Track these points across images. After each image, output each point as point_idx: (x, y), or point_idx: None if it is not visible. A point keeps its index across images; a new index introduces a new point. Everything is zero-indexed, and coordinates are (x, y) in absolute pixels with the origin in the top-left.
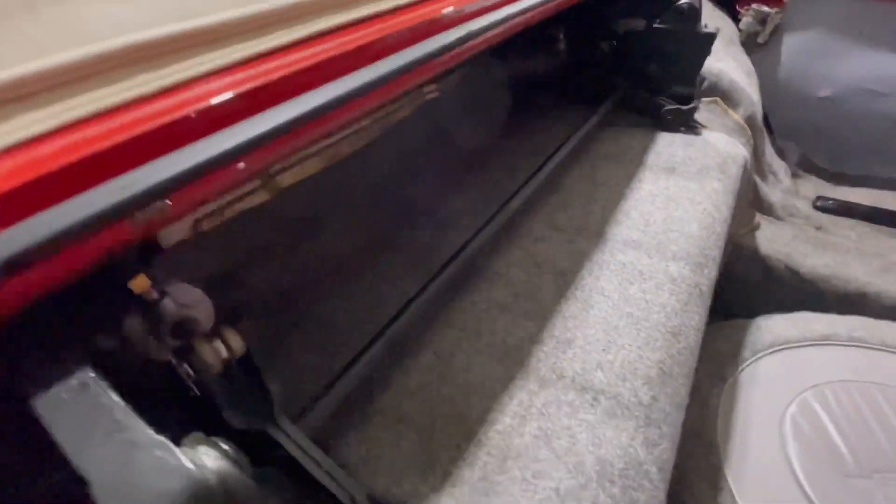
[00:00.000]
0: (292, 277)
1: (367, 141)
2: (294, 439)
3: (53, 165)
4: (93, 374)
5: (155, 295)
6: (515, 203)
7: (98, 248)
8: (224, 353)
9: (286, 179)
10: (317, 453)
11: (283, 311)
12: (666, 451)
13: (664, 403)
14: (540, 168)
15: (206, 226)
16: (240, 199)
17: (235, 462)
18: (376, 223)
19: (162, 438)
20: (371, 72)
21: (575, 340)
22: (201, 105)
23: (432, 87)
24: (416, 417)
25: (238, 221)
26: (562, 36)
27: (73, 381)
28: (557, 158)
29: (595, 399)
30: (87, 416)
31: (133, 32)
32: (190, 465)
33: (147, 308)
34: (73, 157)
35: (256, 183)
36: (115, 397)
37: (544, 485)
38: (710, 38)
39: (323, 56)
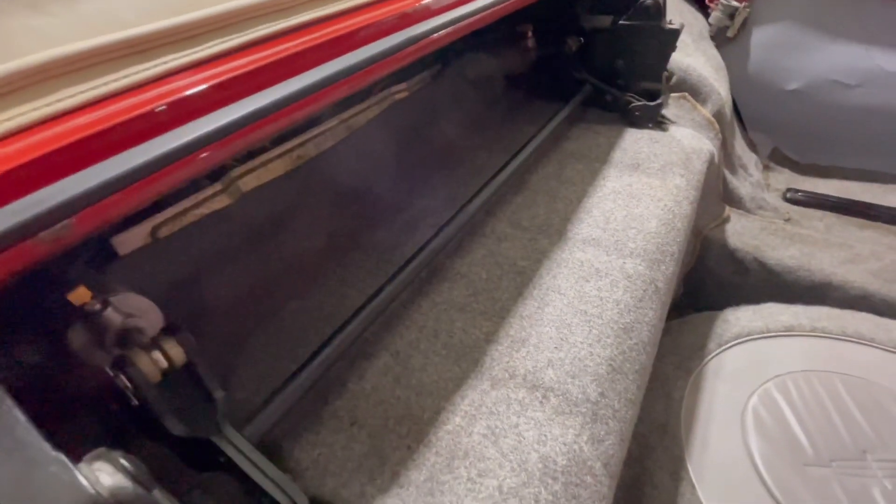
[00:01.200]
0: (253, 281)
1: (334, 142)
2: (236, 445)
3: None
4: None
5: (97, 305)
6: (477, 203)
7: (4, 266)
8: (163, 363)
9: (249, 182)
10: (259, 459)
11: (242, 314)
12: (612, 446)
13: (612, 399)
14: (504, 167)
15: (164, 232)
16: (199, 203)
17: (133, 477)
18: (342, 225)
19: (59, 455)
20: (331, 67)
21: (529, 339)
22: (128, 116)
23: (401, 87)
24: (370, 420)
25: (198, 227)
26: (529, 33)
27: None
28: (522, 157)
29: (544, 397)
30: None
31: (56, 47)
32: (83, 482)
33: (89, 318)
34: None
35: (217, 187)
36: (20, 415)
37: (488, 483)
38: (675, 33)
39: (249, 67)
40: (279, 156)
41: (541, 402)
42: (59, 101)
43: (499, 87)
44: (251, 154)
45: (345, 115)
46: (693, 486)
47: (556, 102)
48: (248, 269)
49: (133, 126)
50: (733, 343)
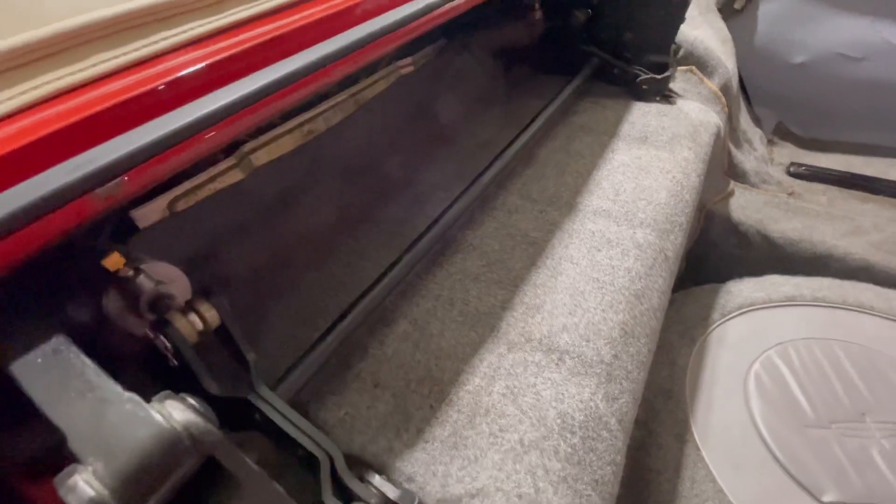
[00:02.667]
0: (269, 253)
1: (343, 117)
2: (271, 403)
3: (17, 144)
4: (65, 341)
5: (130, 272)
6: (488, 176)
7: (62, 222)
8: (199, 325)
9: (261, 157)
10: (293, 415)
11: (260, 284)
12: (626, 404)
13: (625, 361)
14: (513, 141)
15: (181, 206)
16: (214, 178)
17: (202, 414)
18: (353, 199)
19: (132, 395)
20: (339, 41)
21: (543, 306)
22: (161, 81)
23: (407, 61)
24: (392, 381)
25: (214, 200)
26: (537, 5)
27: (47, 347)
28: (531, 131)
29: (560, 359)
30: (61, 378)
31: (88, 12)
32: (158, 416)
33: (123, 284)
34: (34, 137)
35: (231, 161)
36: (87, 360)
37: (509, 437)
38: (684, 5)
39: (284, 29)
40: (289, 131)
41: (556, 364)
42: (93, 65)
43: (506, 60)
44: (262, 129)
45: (352, 89)
46: (697, 447)
47: (563, 76)
48: (262, 242)
49: (169, 90)
50: (736, 313)
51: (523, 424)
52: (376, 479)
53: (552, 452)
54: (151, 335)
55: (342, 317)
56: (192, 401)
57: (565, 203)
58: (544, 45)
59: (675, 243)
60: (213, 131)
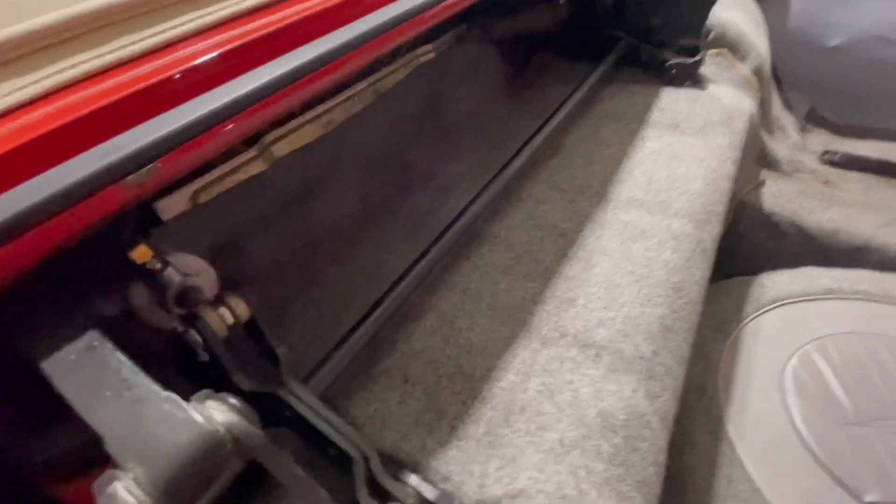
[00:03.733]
0: (294, 245)
1: (361, 107)
2: (303, 399)
3: (43, 130)
4: (99, 336)
5: (158, 265)
6: (515, 166)
7: (92, 211)
8: (229, 318)
9: (282, 148)
10: (325, 412)
11: (285, 277)
12: (667, 402)
13: (666, 357)
14: (539, 129)
15: (204, 197)
16: (236, 169)
17: (244, 415)
18: (375, 191)
19: (170, 394)
20: (359, 26)
21: (577, 300)
22: (187, 66)
23: (427, 48)
24: (422, 377)
25: (236, 192)
26: None
27: (81, 343)
28: (558, 118)
29: (597, 355)
30: (96, 376)
31: None
32: (199, 418)
33: (151, 277)
34: (61, 122)
35: (252, 153)
36: (122, 357)
37: (548, 436)
38: None
39: (306, 13)
40: (309, 121)
41: (594, 360)
42: (120, 48)
43: (529, 46)
44: (282, 120)
45: (371, 78)
46: (732, 445)
47: (589, 61)
48: (286, 234)
49: (198, 73)
50: (771, 307)
51: (562, 423)
52: (412, 479)
53: (594, 453)
54: (181, 329)
55: (370, 311)
56: (233, 400)
57: (595, 193)
58: (569, 29)
59: (711, 234)
60: (243, 117)
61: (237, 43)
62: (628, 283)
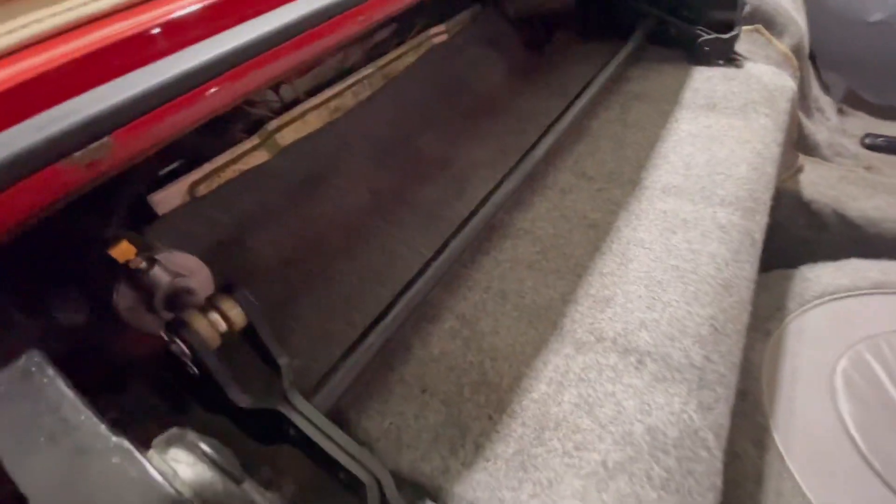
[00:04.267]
0: (299, 241)
1: (371, 91)
2: (307, 416)
3: None
4: (39, 359)
5: (142, 263)
6: (538, 152)
7: (34, 195)
8: (222, 325)
9: (287, 136)
10: (334, 431)
11: (290, 276)
12: (722, 415)
13: (718, 363)
14: (564, 113)
15: (203, 190)
16: (237, 159)
17: (219, 466)
18: (386, 180)
19: (122, 440)
20: None
21: (614, 298)
22: (144, 27)
23: (440, 29)
24: (442, 387)
25: (238, 184)
26: None
27: (16, 368)
28: (582, 101)
29: (640, 362)
30: (28, 414)
31: None
32: (157, 476)
33: (135, 277)
34: None
35: (254, 141)
36: (66, 388)
37: (589, 457)
38: None
39: None
40: (315, 107)
41: (637, 368)
42: (69, 9)
43: (549, 24)
44: (286, 105)
45: (380, 62)
46: (781, 456)
47: (614, 39)
48: (291, 228)
49: (160, 36)
50: (816, 303)
51: (604, 442)
52: None
53: (644, 478)
54: (166, 339)
55: (384, 314)
56: (205, 447)
57: (627, 180)
58: (591, 5)
59: (760, 224)
60: (215, 85)
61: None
62: (672, 279)
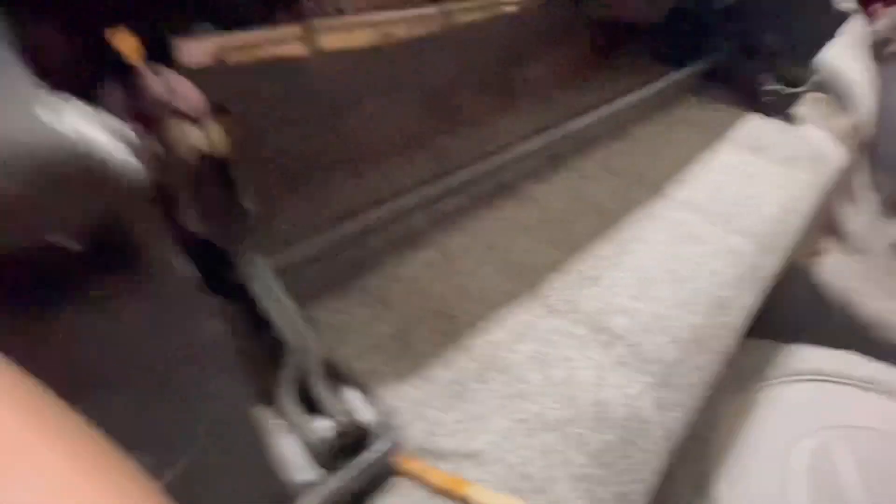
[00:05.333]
0: (311, 141)
1: (425, 32)
2: (256, 266)
3: None
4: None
5: (142, 64)
6: (563, 130)
7: None
8: (202, 141)
9: (330, 41)
10: (276, 287)
11: (291, 165)
12: (676, 421)
13: (688, 370)
14: (601, 105)
15: (232, 58)
16: (273, 41)
17: (130, 145)
18: (413, 120)
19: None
20: None
21: (601, 279)
22: None
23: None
24: (401, 305)
25: (269, 65)
26: None
27: None
28: (627, 102)
29: (609, 342)
30: None
31: None
32: (44, 117)
33: (128, 76)
34: None
35: (297, 32)
36: None
37: (527, 407)
38: (843, 17)
39: None
40: (366, 25)
41: (604, 347)
42: None
43: (621, 28)
44: (339, 10)
45: (444, 6)
46: None
47: (679, 59)
48: (307, 127)
49: None
50: (799, 377)
51: (547, 398)
52: (350, 394)
53: (577, 441)
54: (143, 134)
55: (363, 210)
56: (112, 121)
57: (651, 185)
58: (668, 22)
59: (772, 267)
60: None
61: None
62: (666, 279)
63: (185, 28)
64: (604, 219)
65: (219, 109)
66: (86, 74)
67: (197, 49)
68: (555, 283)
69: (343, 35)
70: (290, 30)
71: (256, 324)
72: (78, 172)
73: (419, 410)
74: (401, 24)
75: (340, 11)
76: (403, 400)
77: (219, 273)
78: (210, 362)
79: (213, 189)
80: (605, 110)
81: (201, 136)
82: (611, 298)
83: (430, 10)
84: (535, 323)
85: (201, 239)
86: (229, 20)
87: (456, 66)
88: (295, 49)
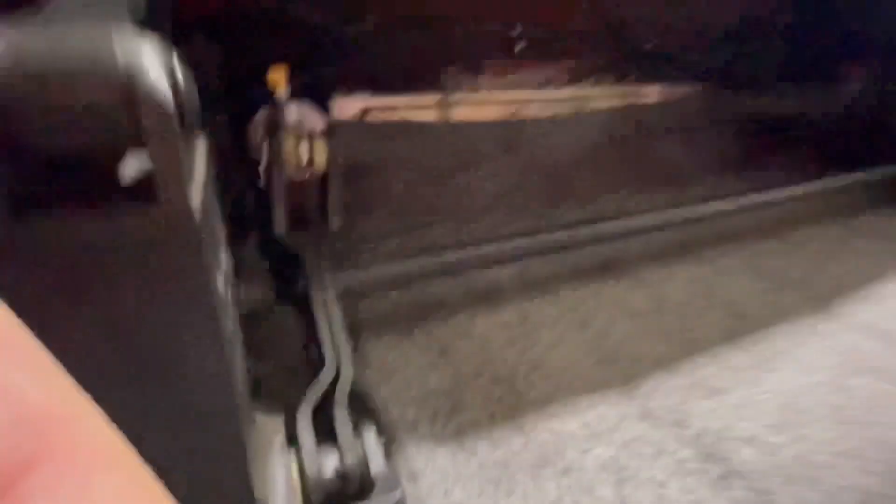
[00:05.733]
0: (416, 186)
1: (554, 114)
2: (322, 281)
3: None
4: None
5: (284, 94)
6: (691, 213)
7: None
8: (304, 156)
9: (462, 113)
10: (335, 306)
11: (389, 200)
12: None
13: None
14: (747, 195)
15: (371, 118)
16: (411, 107)
17: (173, 72)
18: (526, 192)
19: None
20: None
21: (724, 393)
22: None
23: (652, 89)
24: (462, 362)
25: (402, 126)
26: (857, 70)
27: None
28: (780, 195)
29: (724, 477)
30: None
31: None
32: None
33: (271, 98)
34: None
35: (432, 101)
36: None
37: None
38: None
39: None
40: (499, 102)
41: (714, 481)
42: None
43: (778, 131)
44: (473, 88)
45: (580, 91)
46: None
47: (853, 160)
48: (424, 175)
49: None
50: None
51: None
52: (369, 436)
53: None
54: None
55: (443, 250)
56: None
57: (814, 296)
58: (840, 116)
59: None
60: None
61: None
62: (826, 416)
63: (344, 87)
64: (739, 323)
65: (330, 130)
66: (243, 90)
67: (347, 106)
68: (658, 383)
69: (475, 109)
70: (427, 98)
71: (305, 333)
72: (115, 89)
73: (444, 484)
74: (533, 105)
75: (475, 89)
76: (431, 466)
77: (288, 278)
78: (201, 335)
79: (308, 198)
80: (751, 200)
81: (306, 150)
82: (735, 422)
83: (564, 92)
84: (620, 424)
85: (281, 243)
86: (378, 85)
87: (581, 145)
88: (429, 115)
